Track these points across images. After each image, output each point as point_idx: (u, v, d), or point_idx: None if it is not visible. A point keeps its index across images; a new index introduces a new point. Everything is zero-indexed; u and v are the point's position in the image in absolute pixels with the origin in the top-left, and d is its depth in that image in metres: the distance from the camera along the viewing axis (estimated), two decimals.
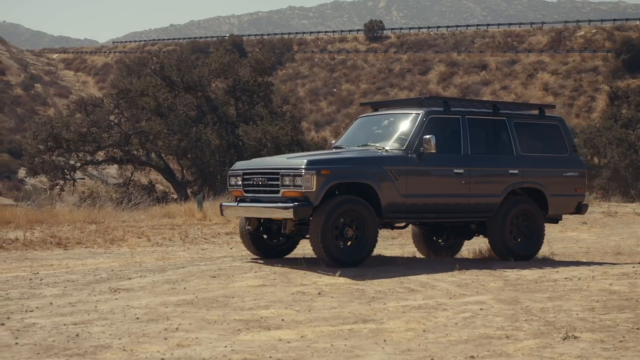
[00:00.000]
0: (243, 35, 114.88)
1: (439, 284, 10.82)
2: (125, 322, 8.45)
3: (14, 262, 13.33)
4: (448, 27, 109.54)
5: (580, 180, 14.31)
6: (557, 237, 19.49)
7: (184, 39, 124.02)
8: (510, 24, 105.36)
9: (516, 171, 13.49)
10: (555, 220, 14.64)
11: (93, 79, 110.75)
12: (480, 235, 14.19)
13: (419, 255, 14.78)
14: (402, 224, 13.78)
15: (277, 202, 11.97)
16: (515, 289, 10.48)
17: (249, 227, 12.95)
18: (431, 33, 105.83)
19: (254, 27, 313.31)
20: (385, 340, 7.69)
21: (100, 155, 37.71)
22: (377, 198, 12.19)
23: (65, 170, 35.82)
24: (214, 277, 11.20)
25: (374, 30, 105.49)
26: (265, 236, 13.21)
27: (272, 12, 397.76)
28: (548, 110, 14.60)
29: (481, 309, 9.10)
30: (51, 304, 9.44)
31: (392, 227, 13.81)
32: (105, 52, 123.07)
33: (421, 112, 12.94)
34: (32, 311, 9.03)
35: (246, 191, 12.67)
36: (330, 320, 8.57)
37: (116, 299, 9.77)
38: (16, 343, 7.52)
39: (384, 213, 12.32)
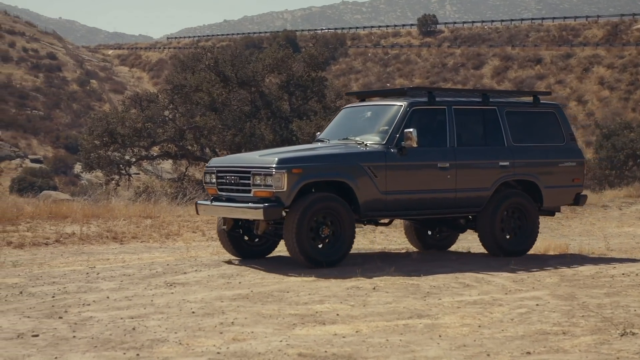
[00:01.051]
0: (296, 31, 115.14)
1: (494, 279, 10.77)
2: (181, 316, 8.51)
3: (71, 256, 13.45)
4: (502, 21, 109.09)
5: (578, 171, 13.65)
6: (614, 233, 19.27)
7: (238, 34, 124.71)
8: (565, 18, 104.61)
9: (507, 163, 12.89)
10: (552, 212, 14.03)
11: (148, 74, 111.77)
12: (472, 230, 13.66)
13: (475, 250, 14.56)
14: (386, 221, 13.44)
15: (248, 202, 11.55)
16: (572, 284, 10.40)
17: (224, 227, 12.41)
18: (485, 27, 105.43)
19: (307, 22, 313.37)
20: (440, 336, 7.67)
21: (155, 150, 37.95)
22: (355, 195, 11.78)
23: (121, 165, 36.07)
24: (269, 271, 11.24)
25: (427, 25, 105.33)
26: (246, 237, 12.73)
27: (325, 7, 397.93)
28: (543, 97, 14.09)
29: (537, 305, 9.04)
30: (108, 297, 9.53)
31: (376, 224, 13.35)
32: (159, 48, 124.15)
33: (404, 103, 12.39)
34: (89, 305, 9.12)
35: (220, 189, 12.21)
36: (385, 315, 8.57)
37: (172, 293, 9.84)
38: (74, 336, 7.60)
39: (362, 211, 11.85)
